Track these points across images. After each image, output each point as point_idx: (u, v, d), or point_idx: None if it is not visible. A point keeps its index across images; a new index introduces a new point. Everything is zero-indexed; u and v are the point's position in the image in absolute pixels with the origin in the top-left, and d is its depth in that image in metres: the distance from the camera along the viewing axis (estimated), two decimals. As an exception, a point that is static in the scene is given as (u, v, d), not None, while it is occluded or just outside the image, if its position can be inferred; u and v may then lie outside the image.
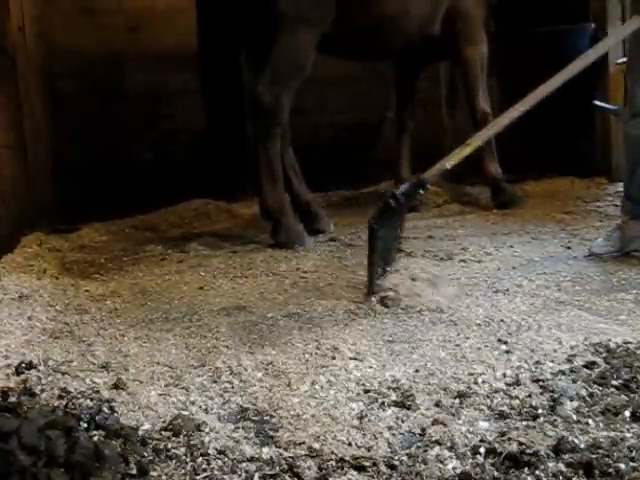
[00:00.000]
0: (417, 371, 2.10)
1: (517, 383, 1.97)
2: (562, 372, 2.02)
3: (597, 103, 5.14)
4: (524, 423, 1.73)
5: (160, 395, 2.03)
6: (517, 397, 1.88)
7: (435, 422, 1.76)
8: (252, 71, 4.05)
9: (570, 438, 1.61)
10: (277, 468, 1.59)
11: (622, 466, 1.49)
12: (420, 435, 1.71)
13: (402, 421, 1.79)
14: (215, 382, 2.11)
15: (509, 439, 1.63)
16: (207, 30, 4.21)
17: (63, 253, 4.12)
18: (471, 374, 2.04)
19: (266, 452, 1.66)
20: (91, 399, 1.97)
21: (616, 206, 4.08)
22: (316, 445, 1.68)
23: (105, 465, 1.53)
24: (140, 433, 1.76)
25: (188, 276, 3.43)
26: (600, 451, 1.55)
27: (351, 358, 2.22)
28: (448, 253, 3.55)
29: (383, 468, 1.57)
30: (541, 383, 1.96)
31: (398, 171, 5.11)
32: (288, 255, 3.75)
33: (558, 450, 1.57)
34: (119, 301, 3.06)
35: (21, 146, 4.67)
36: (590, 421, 1.72)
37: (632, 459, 1.52)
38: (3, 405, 1.82)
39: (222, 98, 4.34)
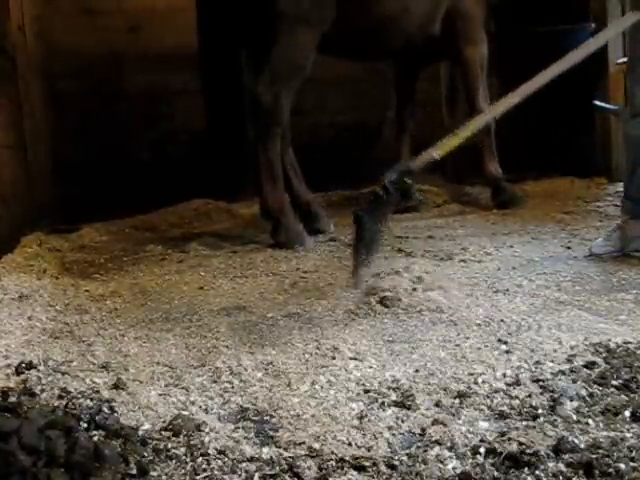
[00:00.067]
0: (417, 371, 2.10)
1: (517, 383, 1.97)
2: (562, 372, 2.02)
3: (597, 103, 5.15)
4: (524, 423, 1.73)
5: (160, 395, 2.03)
6: (517, 397, 1.88)
7: (435, 422, 1.76)
8: (252, 71, 4.05)
9: (570, 438, 1.61)
10: (277, 468, 1.59)
11: (622, 466, 1.49)
12: (420, 435, 1.71)
13: (402, 421, 1.79)
14: (215, 382, 2.11)
15: (509, 439, 1.63)
16: (207, 30, 4.21)
17: (63, 253, 4.12)
18: (471, 374, 2.04)
19: (266, 452, 1.66)
20: (91, 399, 1.97)
21: (616, 206, 4.08)
22: (316, 445, 1.68)
23: (105, 465, 1.53)
24: (140, 433, 1.76)
25: (188, 276, 3.43)
26: (600, 451, 1.55)
27: (351, 358, 2.22)
28: (448, 253, 3.55)
29: (383, 468, 1.57)
30: (541, 383, 1.95)
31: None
32: (288, 255, 3.75)
33: (558, 450, 1.57)
34: (119, 301, 3.06)
35: (21, 146, 4.68)
36: (590, 421, 1.72)
37: (632, 459, 1.52)
38: (3, 405, 1.82)
39: (222, 98, 4.35)
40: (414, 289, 2.83)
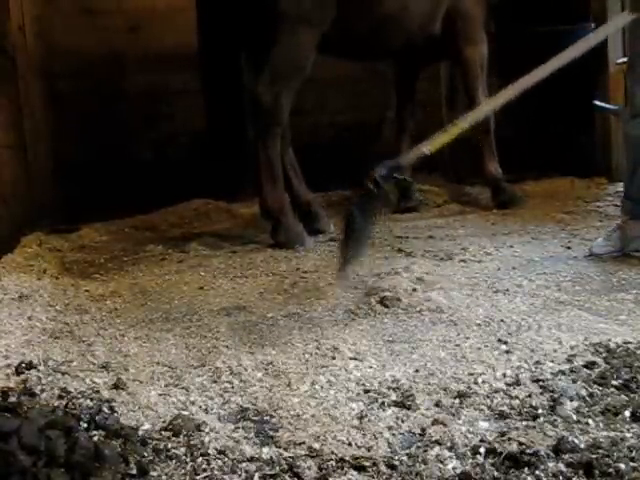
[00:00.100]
0: (417, 371, 2.10)
1: (517, 383, 1.97)
2: (562, 372, 2.02)
3: (597, 103, 5.15)
4: (524, 423, 1.73)
5: (160, 395, 2.03)
6: (517, 397, 1.88)
7: (435, 422, 1.76)
8: (252, 71, 4.05)
9: (570, 438, 1.61)
10: (277, 468, 1.59)
11: (622, 466, 1.49)
12: (420, 435, 1.71)
13: (402, 421, 1.79)
14: (215, 382, 2.11)
15: (509, 439, 1.63)
16: (207, 30, 4.21)
17: (63, 253, 4.13)
18: (471, 374, 2.04)
19: (266, 452, 1.66)
20: (91, 399, 1.97)
21: (616, 206, 4.08)
22: (316, 445, 1.68)
23: (105, 465, 1.53)
24: (140, 433, 1.76)
25: (188, 276, 3.43)
26: (600, 451, 1.55)
27: (351, 358, 2.22)
28: (448, 253, 3.55)
29: (383, 468, 1.57)
30: (541, 383, 1.95)
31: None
32: (288, 255, 3.75)
33: (558, 450, 1.57)
34: (119, 301, 3.06)
35: (21, 146, 4.68)
36: (590, 421, 1.72)
37: (632, 459, 1.52)
38: (3, 405, 1.82)
39: (222, 98, 4.34)
40: (414, 289, 2.84)
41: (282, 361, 2.23)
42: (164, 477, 1.58)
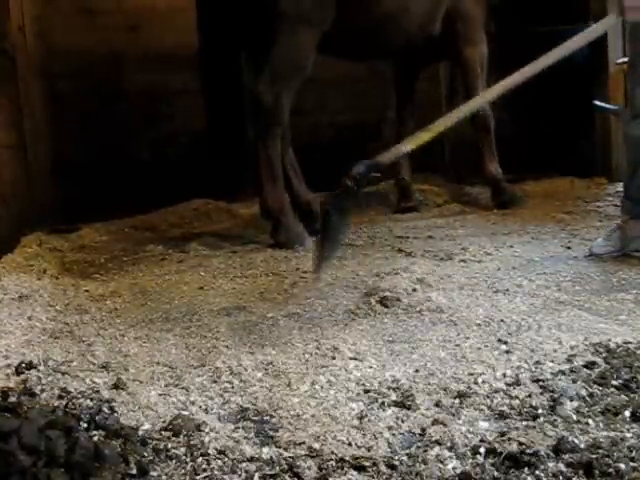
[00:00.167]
0: (417, 371, 2.10)
1: (517, 383, 1.97)
2: (562, 372, 2.02)
3: (597, 103, 5.15)
4: (524, 423, 1.73)
5: (160, 395, 2.03)
6: (517, 397, 1.88)
7: (435, 422, 1.76)
8: (252, 71, 4.05)
9: (570, 438, 1.61)
10: (277, 468, 1.59)
11: (622, 466, 1.49)
12: (420, 435, 1.71)
13: (402, 421, 1.79)
14: (215, 382, 2.11)
15: (509, 439, 1.63)
16: (207, 30, 4.21)
17: (63, 253, 4.13)
18: (471, 374, 2.04)
19: (266, 452, 1.66)
20: (91, 399, 1.98)
21: (616, 206, 4.08)
22: (316, 445, 1.68)
23: (105, 465, 1.53)
24: (140, 433, 1.76)
25: (188, 276, 3.43)
26: (600, 451, 1.55)
27: (351, 358, 2.22)
28: (448, 253, 3.55)
29: (383, 468, 1.57)
30: (541, 383, 1.96)
31: (398, 171, 5.10)
32: (288, 255, 3.75)
33: (558, 450, 1.57)
34: (119, 301, 3.06)
35: (21, 146, 4.68)
36: (590, 421, 1.72)
37: (632, 459, 1.52)
38: (3, 405, 1.82)
39: (222, 98, 4.34)
40: (414, 289, 2.84)
41: (282, 361, 2.23)
42: (164, 477, 1.59)
